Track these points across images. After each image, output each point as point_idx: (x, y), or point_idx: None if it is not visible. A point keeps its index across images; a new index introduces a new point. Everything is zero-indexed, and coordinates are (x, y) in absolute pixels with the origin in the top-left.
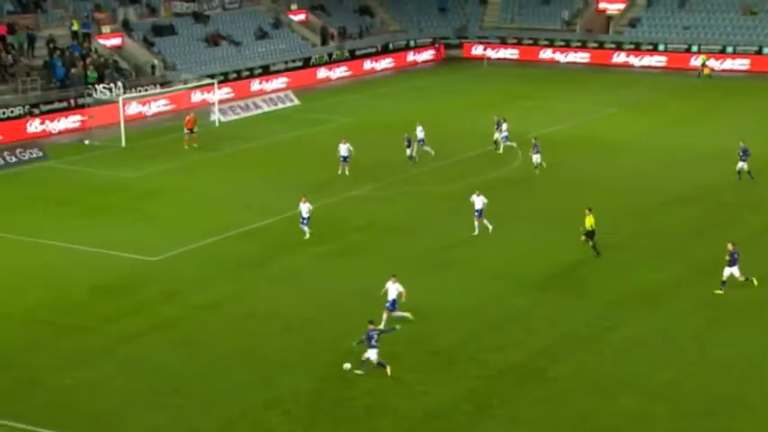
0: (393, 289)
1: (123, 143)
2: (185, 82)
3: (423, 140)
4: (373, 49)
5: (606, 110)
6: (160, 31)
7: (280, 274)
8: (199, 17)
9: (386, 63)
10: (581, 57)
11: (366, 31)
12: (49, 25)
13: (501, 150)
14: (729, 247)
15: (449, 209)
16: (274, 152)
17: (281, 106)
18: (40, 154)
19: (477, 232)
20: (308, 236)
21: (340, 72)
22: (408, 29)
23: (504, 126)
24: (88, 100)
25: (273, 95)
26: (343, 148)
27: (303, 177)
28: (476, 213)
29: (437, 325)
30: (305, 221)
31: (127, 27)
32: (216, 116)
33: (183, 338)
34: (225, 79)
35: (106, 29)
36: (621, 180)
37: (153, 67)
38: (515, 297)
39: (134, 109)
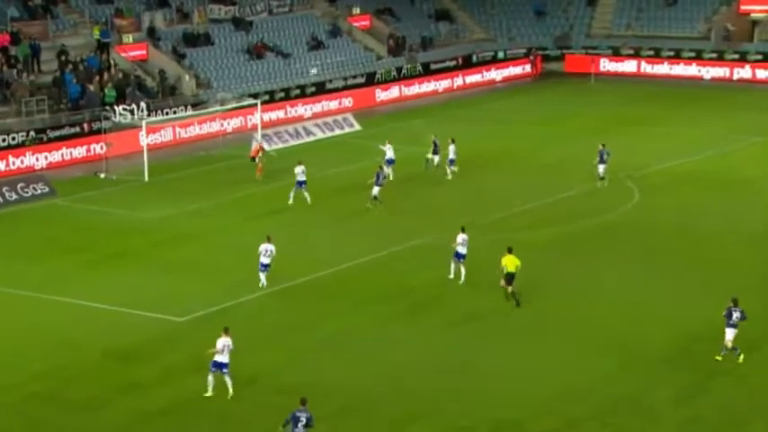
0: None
1: (146, 177)
2: (222, 102)
3: (392, 161)
4: (452, 63)
5: (749, 138)
6: (193, 40)
7: (332, 340)
8: (240, 24)
9: (468, 79)
10: (716, 71)
11: (444, 40)
12: (61, 33)
13: (605, 183)
14: None
15: (541, 261)
16: (328, 189)
17: (337, 132)
18: (46, 189)
19: (452, 276)
20: (263, 285)
21: (411, 90)
22: (497, 37)
23: (605, 156)
24: (105, 124)
25: (329, 119)
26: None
27: (363, 220)
28: (456, 257)
29: (530, 409)
30: (264, 268)
31: (153, 36)
32: (260, 142)
33: (214, 416)
34: (270, 99)
35: (128, 38)
36: None
37: (182, 83)
38: (630, 374)
39: (160, 135)
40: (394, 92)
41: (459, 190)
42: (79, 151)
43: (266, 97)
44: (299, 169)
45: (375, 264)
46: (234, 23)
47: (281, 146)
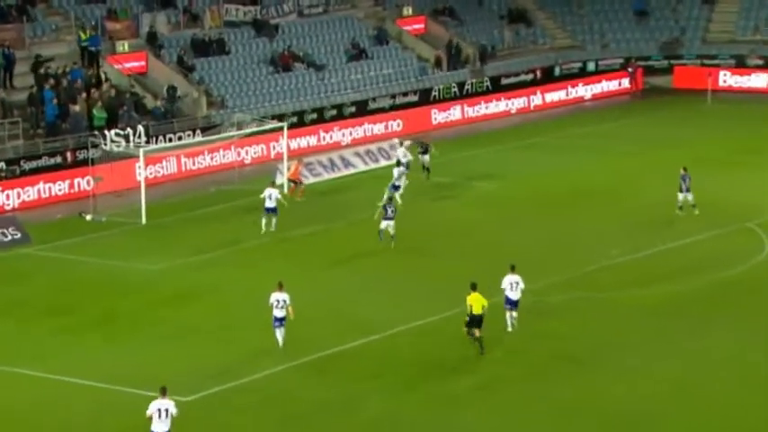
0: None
1: (144, 219)
2: (239, 126)
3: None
4: (529, 76)
5: None
6: (203, 48)
7: (377, 423)
8: (262, 28)
9: (549, 97)
10: None
11: (519, 47)
12: (39, 40)
13: (695, 211)
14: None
15: (649, 331)
16: (372, 235)
17: (383, 163)
18: (18, 235)
19: (510, 329)
20: (281, 344)
21: (476, 111)
22: (586, 44)
23: (687, 182)
24: (93, 153)
25: (373, 147)
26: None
27: (415, 271)
28: (507, 304)
29: None
30: (279, 324)
31: (154, 43)
32: (281, 178)
33: None
34: (299, 122)
35: (123, 46)
36: None
37: (190, 102)
38: None
39: (161, 167)
40: (455, 113)
41: (539, 234)
42: (60, 187)
43: (294, 119)
44: (267, 193)
45: (431, 329)
46: (255, 27)
47: (312, 180)
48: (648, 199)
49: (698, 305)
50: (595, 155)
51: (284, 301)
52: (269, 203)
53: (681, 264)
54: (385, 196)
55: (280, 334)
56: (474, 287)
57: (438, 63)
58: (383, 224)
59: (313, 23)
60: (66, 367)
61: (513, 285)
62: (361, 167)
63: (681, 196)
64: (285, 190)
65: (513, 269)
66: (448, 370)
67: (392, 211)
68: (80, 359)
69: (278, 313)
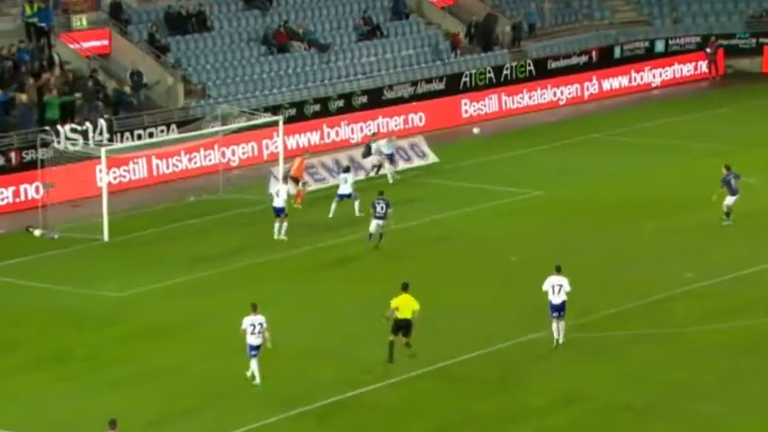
0: None
1: (106, 235)
2: (225, 120)
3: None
4: (583, 59)
5: None
6: (180, 24)
7: None
8: None
9: (608, 84)
10: None
11: (569, 22)
12: None
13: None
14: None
15: (727, 375)
16: (389, 254)
17: (402, 166)
18: None
19: (556, 344)
20: (257, 380)
21: (517, 102)
22: (654, 19)
23: (733, 183)
24: (44, 154)
25: (389, 145)
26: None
27: (438, 296)
28: (553, 313)
29: None
30: (254, 352)
31: (119, 17)
32: (276, 185)
33: None
34: (299, 115)
35: (81, 21)
36: None
37: (164, 90)
38: None
39: (128, 171)
40: (490, 104)
41: (594, 253)
42: (3, 195)
43: (292, 112)
44: (275, 189)
45: (463, 370)
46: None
47: (314, 186)
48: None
49: None
50: (665, 155)
51: (260, 326)
52: (277, 202)
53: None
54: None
55: (255, 366)
56: (405, 287)
57: (455, 45)
58: (372, 225)
59: None
60: (7, 418)
61: (555, 288)
62: (372, 172)
63: (730, 200)
64: (290, 191)
65: (558, 270)
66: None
67: (382, 208)
68: (25, 407)
69: (253, 340)
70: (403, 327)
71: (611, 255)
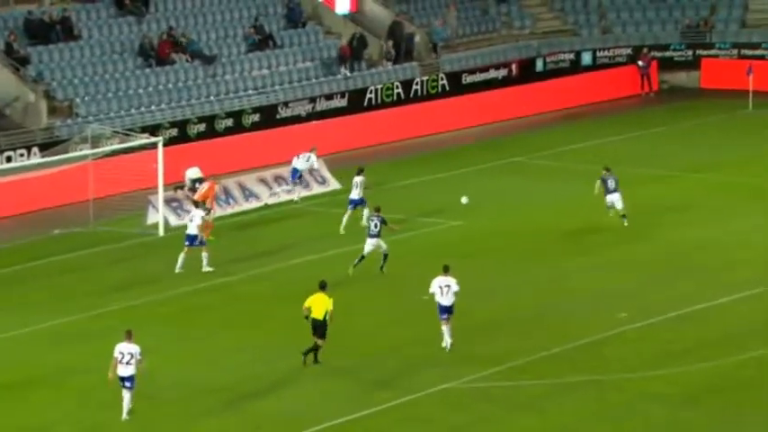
0: None
1: None
2: (95, 142)
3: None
4: (502, 72)
5: None
6: (43, 32)
7: None
8: (128, 2)
9: (531, 101)
10: None
11: (487, 32)
12: None
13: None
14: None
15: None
16: (284, 295)
17: (303, 193)
18: None
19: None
20: (125, 414)
21: (429, 120)
22: (581, 28)
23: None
24: None
25: (284, 171)
26: None
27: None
28: (443, 315)
29: None
30: (128, 386)
31: None
32: (155, 216)
33: None
34: (181, 136)
35: None
36: None
37: (23, 108)
38: None
39: None
40: (399, 123)
41: (517, 290)
42: None
43: (174, 132)
44: (189, 216)
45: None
46: (116, 2)
47: (219, 213)
48: (671, 242)
49: (734, 395)
50: (595, 182)
51: (130, 355)
52: (190, 228)
53: (712, 333)
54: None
55: (128, 399)
56: (323, 286)
57: (343, 59)
58: (367, 245)
59: None
60: None
61: (443, 290)
62: (268, 200)
63: (609, 199)
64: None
65: (446, 270)
66: None
67: (376, 225)
68: None
69: (122, 370)
70: (316, 327)
71: (536, 293)
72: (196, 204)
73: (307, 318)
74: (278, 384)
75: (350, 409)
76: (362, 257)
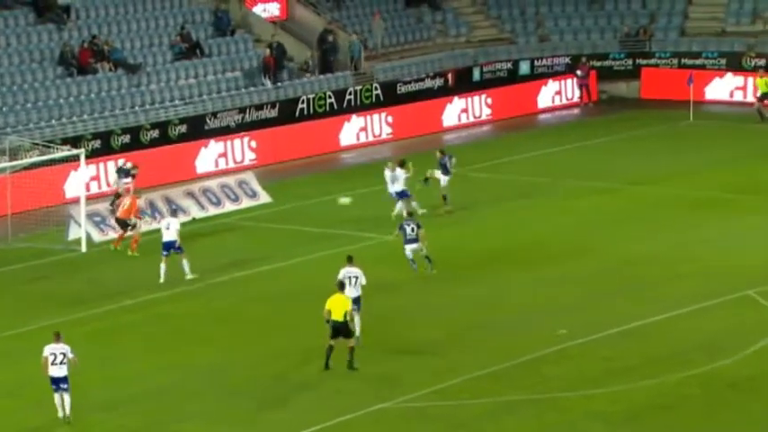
0: None
1: None
2: (13, 154)
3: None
4: (437, 82)
5: None
6: None
7: None
8: (47, 9)
9: (465, 112)
10: None
11: (422, 40)
12: None
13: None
14: None
15: None
16: (213, 313)
17: (229, 208)
18: None
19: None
20: (67, 413)
21: (362, 131)
22: (518, 36)
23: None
24: None
25: (214, 183)
26: None
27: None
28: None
29: None
30: (61, 387)
31: None
32: (77, 231)
33: None
34: (104, 147)
35: None
36: None
37: None
38: None
39: None
40: (332, 134)
41: (454, 309)
42: None
43: (97, 144)
44: (165, 223)
45: None
46: (35, 8)
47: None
48: (612, 256)
49: (678, 412)
50: (532, 195)
51: (63, 355)
52: (167, 236)
53: (655, 350)
54: (396, 210)
55: (65, 401)
56: (341, 287)
57: (267, 69)
58: (407, 251)
59: (123, 4)
60: None
61: (352, 280)
62: (196, 213)
63: (443, 179)
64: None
65: (350, 260)
66: None
67: (413, 230)
68: None
69: (56, 372)
70: (340, 330)
71: (473, 309)
72: (121, 223)
73: (328, 321)
74: (204, 406)
75: (282, 430)
76: (413, 261)
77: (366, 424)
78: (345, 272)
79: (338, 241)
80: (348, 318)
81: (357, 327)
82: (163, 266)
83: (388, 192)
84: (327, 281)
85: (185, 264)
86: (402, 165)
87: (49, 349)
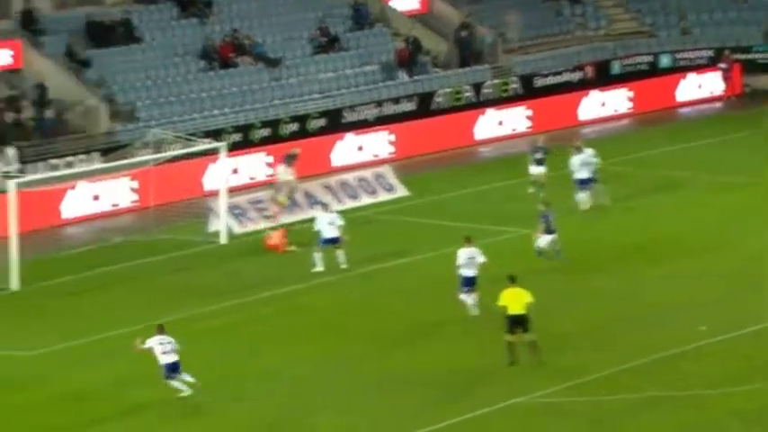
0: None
1: (15, 282)
2: (157, 147)
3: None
4: (576, 75)
5: None
6: (104, 34)
7: None
8: (190, 4)
9: (604, 105)
10: None
11: (560, 33)
12: None
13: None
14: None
15: None
16: (347, 306)
17: (365, 202)
18: None
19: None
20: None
21: (500, 124)
22: (659, 29)
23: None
24: None
25: (351, 177)
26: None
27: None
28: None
29: None
30: (171, 373)
31: (30, 27)
32: (217, 223)
33: None
34: (244, 140)
35: None
36: None
37: (84, 112)
38: None
39: (42, 207)
40: (469, 127)
41: (595, 300)
42: None
43: (237, 137)
44: (325, 220)
45: None
46: (179, 4)
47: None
48: (751, 252)
49: None
50: (670, 190)
51: (170, 344)
52: (329, 232)
53: None
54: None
55: (187, 378)
56: (512, 280)
57: (402, 63)
58: (543, 242)
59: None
60: None
61: (468, 262)
62: (333, 207)
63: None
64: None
65: (468, 241)
66: None
67: (548, 219)
68: None
69: (167, 358)
70: (520, 322)
71: (609, 305)
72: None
73: (507, 317)
74: (338, 398)
75: (413, 424)
76: (557, 252)
77: (499, 419)
78: (464, 252)
79: (475, 235)
80: (527, 310)
81: (475, 305)
82: (318, 255)
83: (574, 179)
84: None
85: (341, 254)
86: (578, 149)
87: (156, 340)
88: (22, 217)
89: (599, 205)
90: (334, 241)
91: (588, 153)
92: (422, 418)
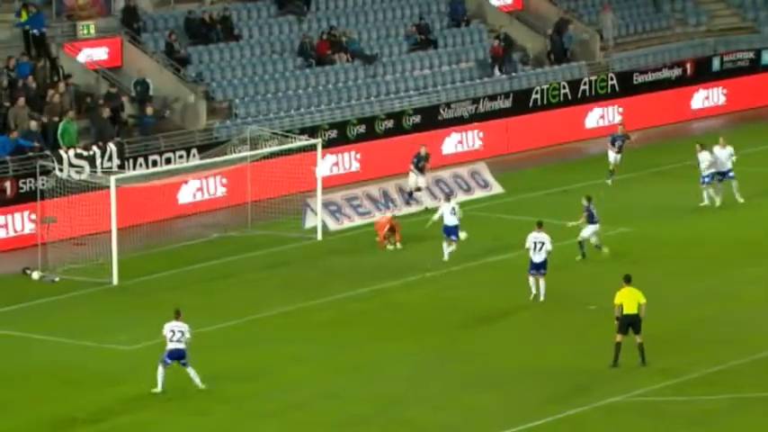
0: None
1: (115, 277)
2: (254, 143)
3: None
4: (676, 72)
5: None
6: (203, 33)
7: None
8: (287, 2)
9: (708, 101)
10: None
11: (658, 29)
12: None
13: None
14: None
15: None
16: (443, 300)
17: (461, 199)
18: None
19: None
20: (199, 384)
21: (597, 121)
22: (761, 25)
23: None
24: (44, 183)
25: (445, 174)
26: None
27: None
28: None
29: None
30: (180, 360)
31: (132, 24)
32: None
33: None
34: (341, 137)
35: (87, 28)
36: None
37: (183, 109)
38: None
39: (142, 203)
40: (566, 124)
41: (694, 298)
42: None
43: (333, 134)
44: (447, 208)
45: None
46: (277, 1)
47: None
48: None
49: None
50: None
51: (181, 333)
52: (450, 219)
53: None
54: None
55: (190, 374)
56: (627, 279)
57: (496, 60)
58: (587, 231)
59: None
60: None
61: (537, 246)
62: (428, 204)
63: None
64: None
65: (539, 226)
66: None
67: (591, 209)
68: None
69: (172, 346)
70: (632, 323)
71: (709, 304)
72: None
73: (618, 318)
74: (433, 394)
75: (508, 421)
76: (599, 246)
77: (597, 418)
78: (533, 236)
79: (565, 234)
80: (640, 311)
81: (542, 291)
82: (445, 244)
83: (702, 176)
84: (561, 274)
85: (452, 248)
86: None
87: (169, 327)
88: (137, 209)
89: (712, 202)
90: (454, 230)
91: (728, 150)
92: (517, 415)
